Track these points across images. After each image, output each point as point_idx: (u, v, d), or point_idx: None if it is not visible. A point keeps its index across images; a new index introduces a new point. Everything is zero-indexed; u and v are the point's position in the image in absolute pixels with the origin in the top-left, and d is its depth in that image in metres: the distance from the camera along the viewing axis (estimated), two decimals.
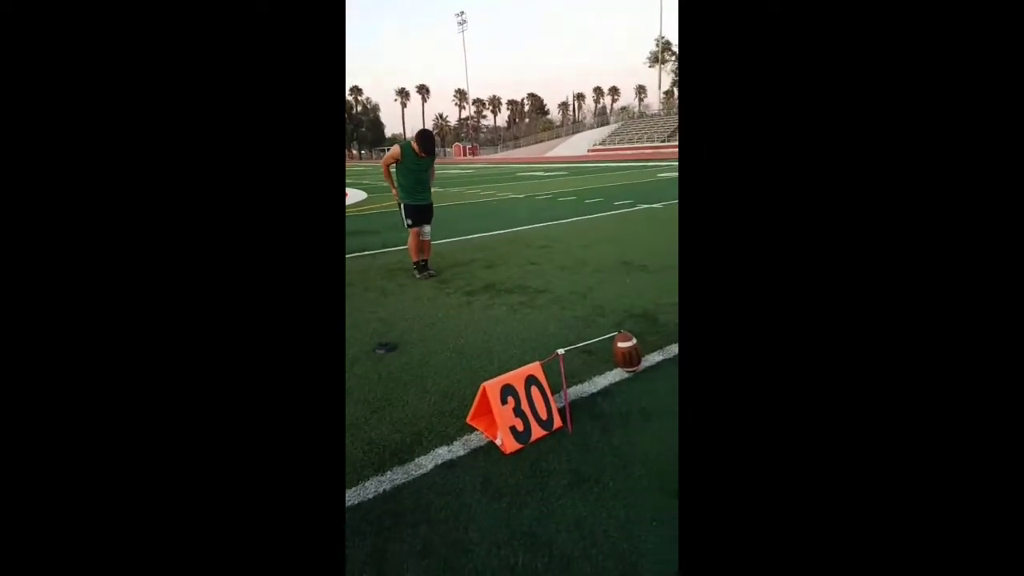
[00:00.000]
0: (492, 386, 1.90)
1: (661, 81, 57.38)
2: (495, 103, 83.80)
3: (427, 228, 4.34)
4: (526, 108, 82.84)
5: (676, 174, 16.06)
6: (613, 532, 1.45)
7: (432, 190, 4.44)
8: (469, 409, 2.04)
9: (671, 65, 56.76)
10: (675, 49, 55.80)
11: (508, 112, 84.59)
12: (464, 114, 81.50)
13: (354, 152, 70.59)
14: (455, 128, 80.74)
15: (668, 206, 8.59)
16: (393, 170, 4.29)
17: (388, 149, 4.12)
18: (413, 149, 4.10)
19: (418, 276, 4.37)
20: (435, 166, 4.45)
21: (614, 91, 79.77)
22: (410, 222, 4.25)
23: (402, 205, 4.27)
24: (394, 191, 4.34)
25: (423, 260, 4.42)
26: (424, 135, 4.15)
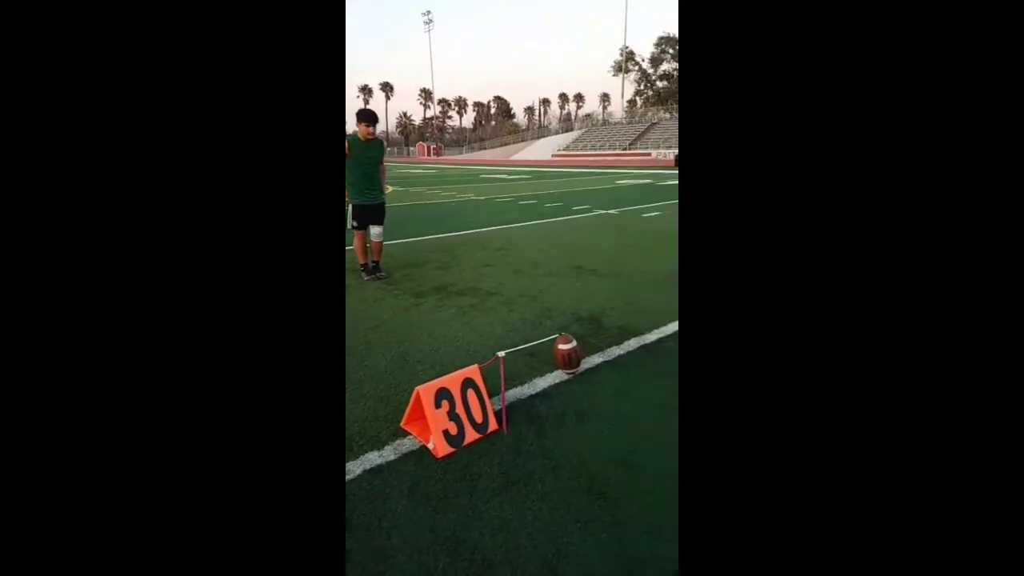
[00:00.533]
0: (426, 390, 1.87)
1: (624, 90, 58.72)
2: (461, 104, 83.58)
3: (377, 229, 4.21)
4: (492, 111, 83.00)
5: (634, 181, 16.46)
6: (537, 535, 1.45)
7: (386, 190, 4.33)
8: (403, 414, 2.01)
9: (634, 75, 58.11)
10: (638, 59, 57.25)
11: (474, 114, 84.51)
12: (429, 114, 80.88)
13: None
14: (420, 127, 79.99)
15: (624, 212, 8.76)
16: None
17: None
18: (358, 137, 3.91)
19: (365, 279, 4.22)
20: (386, 163, 4.32)
21: (579, 98, 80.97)
22: (355, 223, 4.09)
23: (350, 206, 4.09)
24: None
25: (373, 262, 4.30)
26: (363, 110, 3.93)
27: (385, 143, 4.20)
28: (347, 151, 3.90)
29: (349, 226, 4.11)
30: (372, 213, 4.15)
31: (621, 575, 1.31)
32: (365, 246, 4.20)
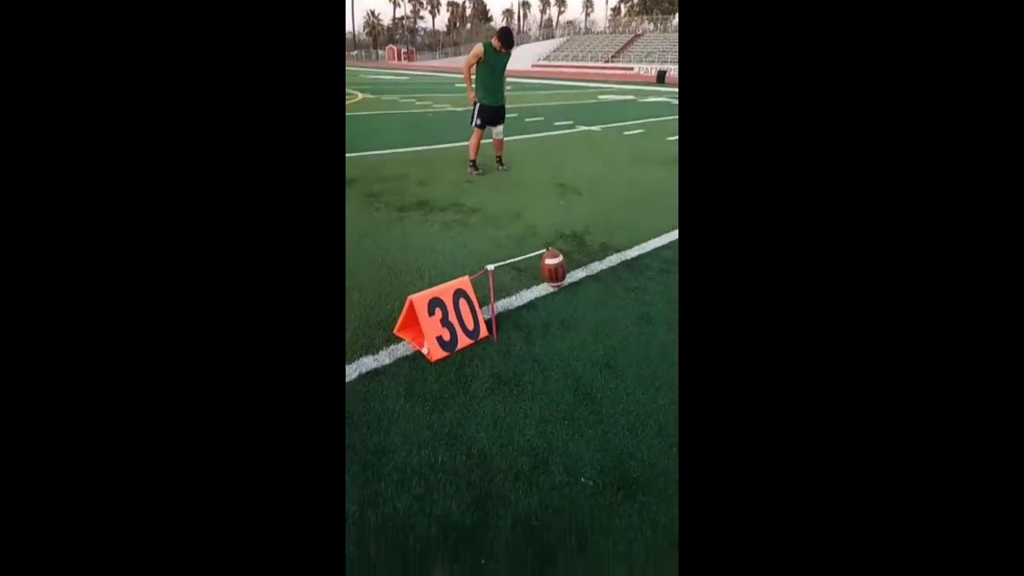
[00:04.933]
0: (419, 299, 1.90)
1: None
2: (434, 3, 76.82)
3: (499, 127, 4.80)
4: (468, 12, 76.77)
5: (616, 97, 15.86)
6: (528, 430, 1.56)
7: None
8: (396, 322, 2.05)
9: None
10: None
11: (448, 15, 78.06)
12: (399, 13, 74.35)
13: None
14: (389, 28, 73.79)
15: (606, 129, 8.54)
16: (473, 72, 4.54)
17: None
18: (493, 47, 4.42)
19: (473, 174, 4.78)
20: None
21: (561, 2, 75.30)
22: (479, 122, 4.65)
23: (477, 105, 4.60)
24: (471, 93, 4.61)
25: (497, 157, 5.00)
26: (504, 30, 4.50)
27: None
28: (482, 56, 4.43)
29: (472, 124, 4.71)
30: (495, 113, 4.68)
31: (606, 466, 1.45)
32: (479, 144, 4.80)
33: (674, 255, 3.00)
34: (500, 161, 5.08)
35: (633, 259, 2.94)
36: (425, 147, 6.26)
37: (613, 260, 2.91)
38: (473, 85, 4.58)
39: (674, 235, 3.35)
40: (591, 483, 1.39)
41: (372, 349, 1.94)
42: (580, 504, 1.32)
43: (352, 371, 1.80)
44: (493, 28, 69.70)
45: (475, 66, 4.50)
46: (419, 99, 12.94)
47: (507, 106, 4.85)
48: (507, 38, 4.47)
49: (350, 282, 2.49)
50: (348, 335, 2.03)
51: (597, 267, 2.80)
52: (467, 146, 4.97)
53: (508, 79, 4.77)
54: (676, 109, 12.35)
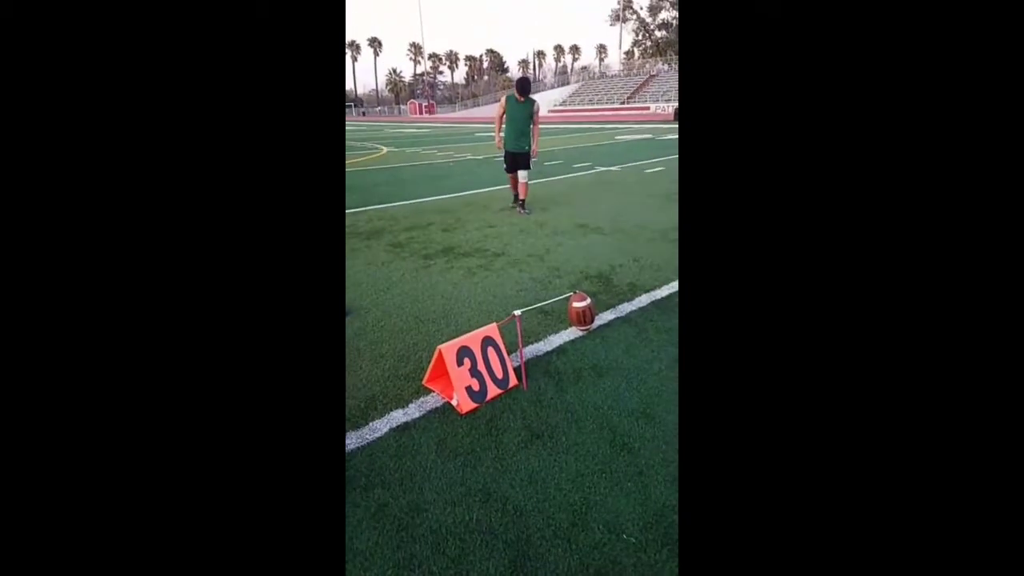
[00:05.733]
0: (448, 348, 1.90)
1: (622, 40, 56.67)
2: (452, 59, 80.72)
3: (524, 173, 5.08)
4: (485, 65, 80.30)
5: (634, 137, 16.12)
6: (564, 484, 1.50)
7: (534, 142, 5.01)
8: (425, 373, 2.04)
9: (632, 24, 55.97)
10: (636, 8, 54.95)
11: (466, 69, 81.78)
12: (419, 69, 78.25)
13: None
14: (410, 84, 77.54)
15: (625, 168, 8.63)
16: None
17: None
18: (514, 97, 4.84)
19: (517, 210, 5.27)
20: (535, 118, 4.92)
21: (575, 49, 78.25)
22: (506, 166, 5.18)
23: (504, 152, 5.08)
24: (498, 140, 5.15)
25: (520, 200, 5.25)
26: (521, 80, 4.87)
27: (536, 103, 4.93)
28: (504, 107, 4.90)
29: (505, 169, 5.26)
30: (517, 159, 5.03)
31: (648, 521, 1.37)
32: (514, 184, 5.24)
33: None
34: (523, 205, 5.29)
35: (663, 299, 2.89)
36: (448, 195, 6.42)
37: (643, 300, 2.87)
38: (502, 134, 5.09)
39: None
40: (633, 540, 1.31)
41: (402, 402, 1.92)
42: (623, 563, 1.25)
43: (383, 426, 1.79)
44: (510, 78, 72.61)
45: (503, 116, 4.99)
46: (440, 150, 13.40)
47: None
48: (523, 87, 4.81)
49: (380, 333, 2.51)
50: (377, 388, 2.02)
51: (627, 308, 2.76)
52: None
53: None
54: None
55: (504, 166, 5.24)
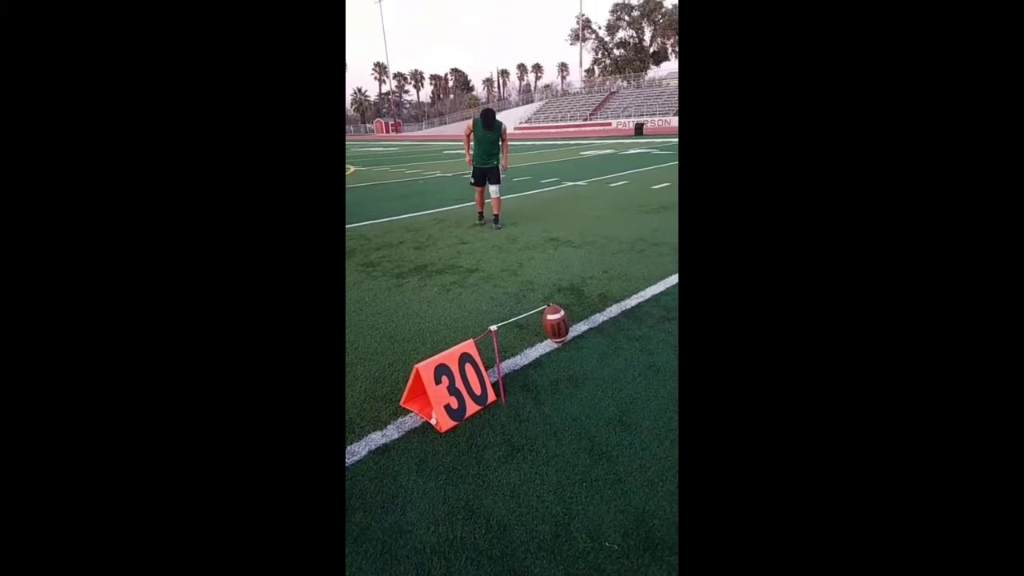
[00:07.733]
0: (425, 367, 1.90)
1: (582, 59, 58.12)
2: (417, 78, 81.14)
3: (494, 187, 5.27)
4: (450, 84, 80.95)
5: (598, 152, 16.47)
6: (546, 496, 1.51)
7: (503, 157, 5.30)
8: (402, 393, 2.03)
9: (591, 43, 57.53)
10: (595, 27, 56.54)
11: (432, 87, 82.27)
12: (384, 88, 78.29)
13: None
14: (376, 103, 77.44)
15: (591, 183, 8.82)
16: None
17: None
18: (480, 123, 5.16)
19: (479, 223, 5.54)
20: (504, 137, 5.20)
21: (537, 68, 79.80)
22: (473, 180, 5.39)
23: (472, 167, 5.36)
24: (468, 156, 5.36)
25: (494, 215, 5.39)
26: (485, 112, 5.15)
27: (503, 126, 5.23)
28: (472, 129, 5.21)
29: (470, 183, 5.47)
30: (484, 173, 5.27)
31: (629, 528, 1.40)
32: (483, 200, 5.50)
33: (673, 302, 3.03)
34: (496, 220, 5.41)
35: (633, 308, 2.96)
36: (419, 213, 6.43)
37: (614, 311, 2.93)
38: (471, 152, 5.35)
39: (670, 281, 3.39)
40: (615, 547, 1.33)
41: (379, 424, 1.91)
42: (607, 570, 1.27)
43: (361, 449, 1.77)
44: (475, 96, 73.26)
45: (470, 135, 5.30)
46: (409, 167, 13.40)
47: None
48: (487, 120, 5.09)
49: (352, 356, 2.49)
50: (354, 412, 2.00)
51: (599, 319, 2.82)
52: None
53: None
54: (658, 159, 12.79)
55: (471, 180, 5.43)
